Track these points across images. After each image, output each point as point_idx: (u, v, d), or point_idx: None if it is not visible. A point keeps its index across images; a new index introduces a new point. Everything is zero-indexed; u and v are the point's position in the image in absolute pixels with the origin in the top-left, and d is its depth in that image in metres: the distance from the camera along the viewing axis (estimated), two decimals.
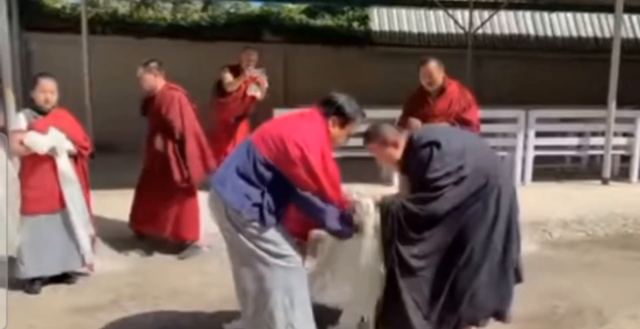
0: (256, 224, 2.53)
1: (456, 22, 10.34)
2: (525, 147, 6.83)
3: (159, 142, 4.48)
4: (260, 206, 2.51)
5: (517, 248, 3.07)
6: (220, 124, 6.19)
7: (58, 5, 9.62)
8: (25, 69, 9.30)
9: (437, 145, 2.83)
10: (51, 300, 3.64)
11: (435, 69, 4.36)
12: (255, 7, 10.80)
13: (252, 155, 2.56)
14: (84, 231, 3.85)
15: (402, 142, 2.96)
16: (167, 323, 3.30)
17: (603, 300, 3.69)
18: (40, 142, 3.67)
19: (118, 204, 4.87)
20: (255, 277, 2.57)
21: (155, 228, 4.58)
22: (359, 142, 6.41)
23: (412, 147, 2.93)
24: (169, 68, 8.53)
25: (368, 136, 3.02)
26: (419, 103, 4.50)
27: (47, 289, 3.80)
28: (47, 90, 3.79)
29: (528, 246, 5.00)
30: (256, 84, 6.16)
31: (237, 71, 6.13)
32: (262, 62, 6.40)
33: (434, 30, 11.20)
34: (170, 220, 4.50)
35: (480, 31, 10.53)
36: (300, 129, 2.60)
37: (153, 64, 4.69)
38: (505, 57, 10.63)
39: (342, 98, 2.74)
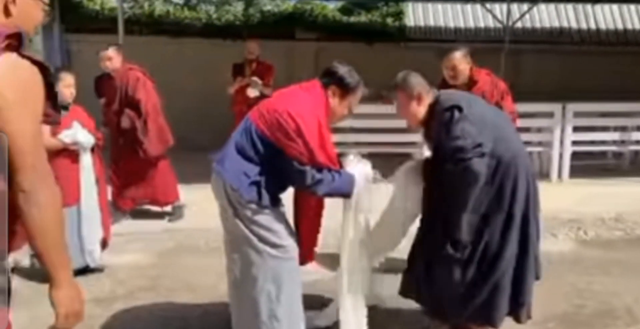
0: (253, 206, 2.48)
1: (494, 15, 10.07)
2: (562, 142, 6.59)
3: (125, 120, 4.88)
4: (257, 184, 2.47)
5: (536, 241, 2.88)
6: (237, 116, 6.28)
7: (97, 7, 9.89)
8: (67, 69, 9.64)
9: (459, 108, 2.68)
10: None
11: (459, 61, 3.91)
12: (289, 4, 10.82)
13: (250, 132, 2.52)
14: (89, 231, 3.87)
15: (426, 98, 2.79)
16: (177, 314, 3.33)
17: (634, 301, 3.51)
18: (85, 137, 3.81)
19: None
20: (245, 264, 2.53)
21: (135, 201, 5.10)
22: (377, 138, 6.33)
23: (434, 111, 2.78)
24: (205, 66, 8.77)
25: (395, 83, 2.85)
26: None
27: None
28: (72, 85, 3.88)
29: (561, 244, 4.85)
30: (254, 86, 6.24)
31: (241, 69, 6.29)
32: (261, 54, 6.53)
33: (470, 24, 10.96)
34: (149, 188, 5.04)
35: (519, 24, 10.23)
36: (296, 101, 2.53)
37: (117, 47, 5.12)
38: (545, 51, 10.29)
39: (343, 69, 2.64)
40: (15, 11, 1.37)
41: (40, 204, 1.31)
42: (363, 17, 10.69)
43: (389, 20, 10.54)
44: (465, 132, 2.60)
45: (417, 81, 2.80)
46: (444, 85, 4.06)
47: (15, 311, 1.49)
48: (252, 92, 6.22)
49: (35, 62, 1.29)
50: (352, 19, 10.57)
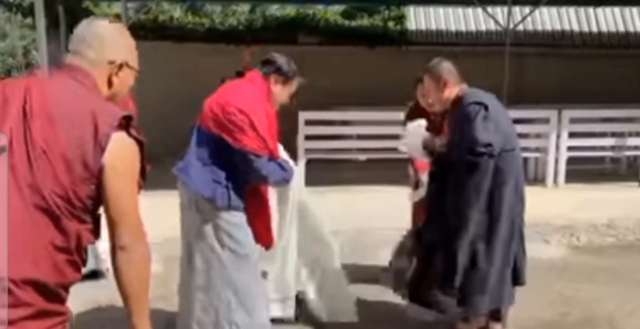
0: (223, 212, 2.59)
1: (495, 19, 10.14)
2: (557, 148, 6.67)
3: None
4: (228, 188, 2.58)
5: (518, 245, 3.03)
6: None
7: (102, 14, 10.05)
8: None
9: (485, 106, 2.85)
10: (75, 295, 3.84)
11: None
12: (292, 9, 10.94)
13: (205, 137, 2.62)
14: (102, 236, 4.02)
15: (452, 87, 2.96)
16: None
17: (617, 309, 3.60)
18: None
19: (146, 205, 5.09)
20: (206, 269, 2.62)
21: None
22: (387, 144, 6.43)
23: (460, 103, 2.95)
24: (208, 72, 8.90)
25: (427, 67, 3.04)
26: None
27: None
28: None
29: (553, 251, 4.94)
30: None
31: (241, 76, 6.34)
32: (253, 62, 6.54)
33: (472, 27, 11.02)
34: None
35: (520, 27, 10.29)
36: (242, 94, 2.66)
37: None
38: (547, 54, 10.35)
39: (281, 59, 2.80)
40: (116, 82, 1.59)
41: (132, 261, 1.52)
42: (365, 21, 10.79)
43: (391, 24, 10.64)
44: (488, 128, 2.80)
45: (447, 69, 2.99)
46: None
47: None
48: None
49: (136, 139, 1.52)
50: (354, 23, 10.68)
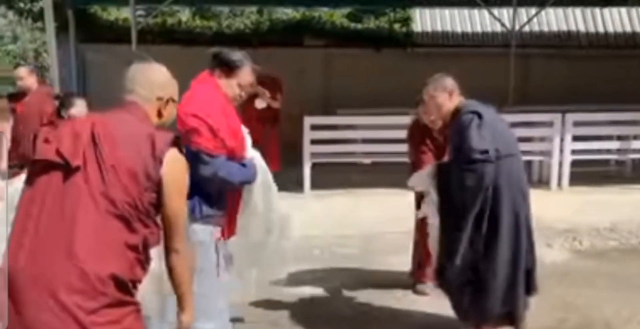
0: (197, 224, 2.56)
1: (499, 21, 10.17)
2: (561, 151, 6.69)
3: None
4: (200, 197, 2.54)
5: (529, 252, 3.11)
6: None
7: (111, 18, 10.18)
8: (82, 78, 9.95)
9: (479, 115, 2.97)
10: None
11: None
12: (298, 12, 11.01)
13: None
14: None
15: (456, 96, 3.12)
16: None
17: (615, 315, 3.65)
18: None
19: None
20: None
21: None
22: (392, 147, 6.48)
23: (458, 113, 3.07)
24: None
25: (431, 79, 3.18)
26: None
27: None
28: (84, 110, 4.12)
29: (555, 255, 4.98)
30: (261, 96, 6.26)
31: None
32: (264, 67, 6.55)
33: (477, 29, 11.05)
34: None
35: (526, 28, 10.31)
36: (192, 99, 2.59)
37: (32, 67, 5.28)
38: (553, 55, 10.36)
39: (224, 51, 2.73)
40: (165, 113, 1.94)
41: (183, 262, 1.88)
42: (371, 24, 10.85)
43: (397, 26, 10.69)
44: (482, 136, 2.92)
45: (451, 81, 3.17)
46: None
47: None
48: (259, 103, 6.31)
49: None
50: (360, 25, 10.74)
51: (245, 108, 6.56)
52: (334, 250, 5.15)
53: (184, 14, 12.87)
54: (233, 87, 2.71)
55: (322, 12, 10.80)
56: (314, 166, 6.33)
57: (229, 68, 2.69)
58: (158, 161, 1.74)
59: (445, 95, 3.12)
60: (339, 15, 11.05)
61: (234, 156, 2.63)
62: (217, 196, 2.64)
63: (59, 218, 1.65)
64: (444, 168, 3.13)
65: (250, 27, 10.33)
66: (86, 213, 1.65)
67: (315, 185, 6.33)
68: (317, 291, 4.18)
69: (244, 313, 3.60)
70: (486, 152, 2.89)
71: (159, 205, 1.77)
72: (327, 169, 6.39)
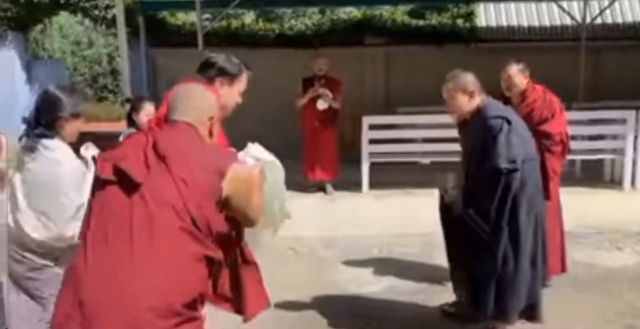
0: None
1: (569, 14, 9.76)
2: (635, 149, 6.37)
3: None
4: None
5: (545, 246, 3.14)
6: (305, 130, 6.57)
7: (179, 22, 10.58)
8: (152, 82, 10.40)
9: (508, 121, 2.95)
10: None
11: (515, 73, 4.03)
12: (359, 11, 11.03)
13: None
14: None
15: (477, 97, 3.10)
16: None
17: None
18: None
19: None
20: None
21: None
22: (451, 147, 6.41)
23: (479, 114, 3.07)
24: (277, 76, 9.17)
25: (451, 76, 3.18)
26: None
27: None
28: (152, 113, 4.30)
29: (625, 259, 4.78)
30: (324, 98, 6.32)
31: (310, 83, 6.47)
32: (331, 67, 6.58)
33: (545, 22, 10.66)
34: None
35: (598, 20, 9.85)
36: None
37: None
38: (627, 48, 9.81)
39: (219, 57, 2.52)
40: (214, 132, 2.04)
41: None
42: (433, 20, 10.70)
43: (459, 21, 10.49)
44: (511, 144, 2.93)
45: (471, 78, 3.14)
46: (504, 99, 4.14)
47: None
48: (321, 105, 6.38)
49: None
50: (422, 22, 10.61)
51: (304, 111, 6.66)
52: (393, 249, 5.16)
53: (249, 17, 13.20)
54: (235, 96, 2.54)
55: (384, 10, 10.75)
56: (373, 166, 6.34)
57: (232, 76, 2.50)
58: (222, 179, 1.80)
59: (466, 97, 3.10)
60: (400, 13, 10.97)
61: None
62: None
63: (126, 235, 1.69)
64: (471, 172, 3.12)
65: (311, 28, 10.44)
66: (156, 228, 1.69)
67: (373, 185, 6.33)
68: (376, 288, 4.21)
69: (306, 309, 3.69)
70: (514, 161, 2.91)
71: (225, 222, 1.86)
72: (385, 169, 6.39)
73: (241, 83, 2.54)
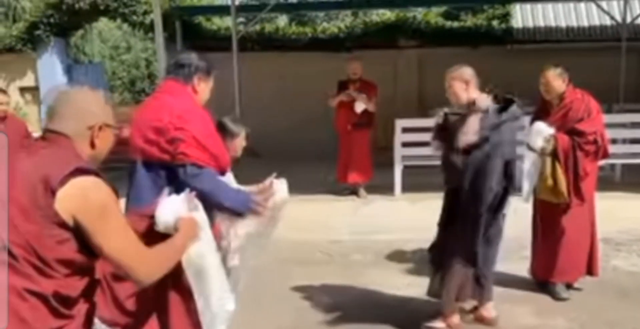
0: None
1: (608, 14, 9.52)
2: None
3: None
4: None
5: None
6: (339, 133, 6.57)
7: (214, 27, 10.74)
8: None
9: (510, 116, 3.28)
10: None
11: (552, 77, 3.98)
12: (392, 13, 10.99)
13: (148, 172, 2.39)
14: None
15: (473, 87, 3.38)
16: None
17: None
18: None
19: None
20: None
21: None
22: None
23: (495, 113, 3.30)
24: (310, 79, 9.21)
25: (450, 69, 3.48)
26: (541, 113, 4.31)
27: None
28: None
29: None
30: (360, 100, 6.31)
31: (346, 86, 6.46)
32: (364, 71, 6.60)
33: (583, 23, 10.42)
34: None
35: (638, 21, 9.57)
36: (175, 111, 2.39)
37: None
38: None
39: (192, 56, 2.59)
40: (98, 143, 1.68)
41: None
42: (468, 21, 10.59)
43: (495, 22, 10.35)
44: (508, 134, 3.27)
45: (468, 70, 3.45)
46: (544, 100, 4.18)
47: None
48: (359, 107, 6.37)
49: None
50: (456, 23, 10.51)
51: (338, 114, 6.67)
52: (426, 253, 5.09)
53: (282, 21, 13.32)
54: (208, 91, 2.64)
55: (417, 12, 10.69)
56: (405, 169, 6.31)
57: (208, 72, 2.60)
58: (48, 188, 1.49)
59: (462, 84, 3.37)
60: (434, 14, 10.90)
61: (219, 165, 2.47)
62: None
63: None
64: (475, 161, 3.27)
65: (344, 31, 10.46)
66: None
67: (406, 188, 6.30)
68: (410, 293, 4.17)
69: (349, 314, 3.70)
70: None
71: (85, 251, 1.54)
72: (418, 172, 6.34)
73: (212, 79, 2.65)
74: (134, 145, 2.45)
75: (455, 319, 3.44)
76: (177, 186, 2.28)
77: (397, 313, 3.83)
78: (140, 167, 2.43)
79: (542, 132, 3.89)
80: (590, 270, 4.00)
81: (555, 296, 3.91)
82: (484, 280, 3.40)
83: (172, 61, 2.62)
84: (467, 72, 3.44)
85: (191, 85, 2.55)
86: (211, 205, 2.38)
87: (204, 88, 2.60)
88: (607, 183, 4.86)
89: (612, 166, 6.84)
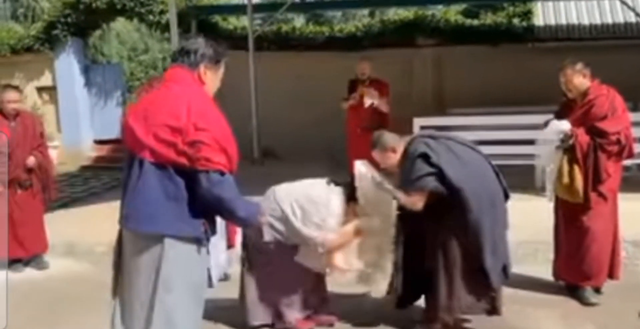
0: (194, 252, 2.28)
1: (633, 10, 9.27)
2: None
3: (32, 160, 4.75)
4: (204, 225, 2.27)
5: None
6: (349, 135, 6.46)
7: (230, 27, 10.70)
8: None
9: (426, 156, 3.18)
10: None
11: (571, 75, 3.82)
12: (411, 11, 10.84)
13: (156, 172, 2.20)
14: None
15: (400, 147, 3.36)
16: None
17: None
18: None
19: None
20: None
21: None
22: (504, 150, 6.15)
23: (407, 153, 3.31)
24: (328, 78, 9.09)
25: (372, 143, 3.46)
26: (564, 110, 4.15)
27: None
28: None
29: None
30: (369, 95, 6.22)
31: (355, 85, 6.37)
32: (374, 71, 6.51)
33: (608, 20, 10.17)
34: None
35: None
36: (185, 104, 2.21)
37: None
38: None
39: (199, 41, 2.34)
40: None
41: None
42: (488, 19, 10.39)
43: (516, 20, 10.13)
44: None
45: (388, 137, 3.43)
46: (567, 97, 4.01)
47: None
48: (368, 100, 6.21)
49: None
50: (476, 21, 10.32)
51: (348, 118, 6.54)
52: None
53: (299, 21, 13.25)
54: (218, 80, 2.41)
55: (436, 10, 10.52)
56: None
57: (217, 59, 2.35)
58: None
59: (390, 153, 3.40)
60: (453, 12, 10.71)
61: (232, 168, 2.27)
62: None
63: None
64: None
65: (361, 30, 10.32)
66: None
67: None
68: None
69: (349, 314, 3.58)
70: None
71: None
72: None
73: (222, 67, 2.40)
74: (138, 141, 2.22)
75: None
76: (190, 191, 2.18)
77: (398, 313, 3.70)
78: (149, 168, 2.20)
79: (558, 128, 3.74)
80: (612, 273, 3.84)
81: (584, 301, 3.74)
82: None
83: (179, 46, 2.40)
84: (389, 139, 3.46)
85: (197, 73, 2.32)
86: (221, 211, 2.28)
87: (211, 77, 2.36)
88: (633, 184, 4.65)
89: (639, 166, 6.61)
